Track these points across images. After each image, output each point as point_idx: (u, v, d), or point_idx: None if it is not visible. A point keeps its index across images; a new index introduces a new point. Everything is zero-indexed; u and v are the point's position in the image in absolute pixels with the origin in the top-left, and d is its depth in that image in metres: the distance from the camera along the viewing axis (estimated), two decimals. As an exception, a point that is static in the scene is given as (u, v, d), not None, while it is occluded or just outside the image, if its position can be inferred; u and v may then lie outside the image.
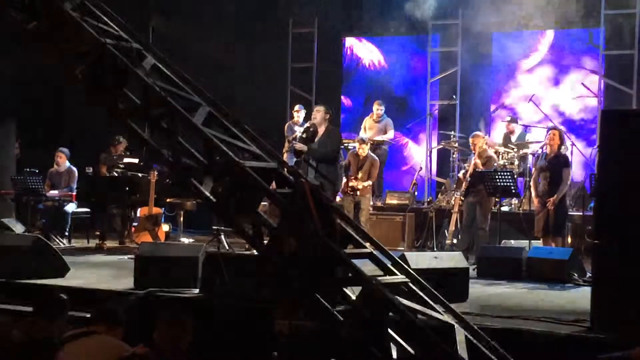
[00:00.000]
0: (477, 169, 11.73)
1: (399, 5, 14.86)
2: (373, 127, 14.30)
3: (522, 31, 15.08)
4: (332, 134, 11.74)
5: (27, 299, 5.82)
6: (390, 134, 14.28)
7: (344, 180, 12.55)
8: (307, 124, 11.76)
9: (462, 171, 12.37)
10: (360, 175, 12.45)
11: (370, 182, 12.53)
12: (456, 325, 5.15)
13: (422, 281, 5.33)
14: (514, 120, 14.07)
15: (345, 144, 13.70)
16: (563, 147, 11.70)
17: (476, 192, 11.71)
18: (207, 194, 5.44)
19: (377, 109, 14.38)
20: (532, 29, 15.12)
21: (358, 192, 12.40)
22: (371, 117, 14.45)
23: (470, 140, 12.16)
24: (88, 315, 5.51)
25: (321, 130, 11.76)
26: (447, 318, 5.22)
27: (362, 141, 12.68)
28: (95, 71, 5.57)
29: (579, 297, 8.26)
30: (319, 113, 11.75)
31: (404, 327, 4.75)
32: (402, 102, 16.28)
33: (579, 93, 14.54)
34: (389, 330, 4.73)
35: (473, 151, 12.01)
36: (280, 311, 4.92)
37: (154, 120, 5.59)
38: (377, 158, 13.00)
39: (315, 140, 11.62)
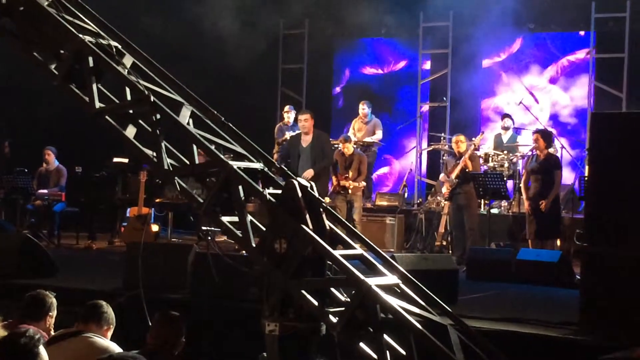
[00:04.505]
0: (467, 170, 11.70)
1: (390, 7, 14.86)
2: (362, 129, 14.27)
3: (514, 34, 15.08)
4: (322, 138, 11.88)
5: (15, 299, 5.76)
6: (379, 134, 14.24)
7: (333, 179, 12.55)
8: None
9: (442, 174, 12.32)
10: (350, 173, 12.41)
11: (364, 183, 12.49)
12: (450, 326, 5.12)
13: (416, 281, 5.31)
14: (509, 116, 13.97)
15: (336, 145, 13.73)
16: (552, 148, 11.70)
17: (463, 194, 11.68)
18: (194, 194, 5.39)
19: (363, 108, 14.31)
20: (524, 32, 15.14)
21: (350, 191, 12.37)
22: (359, 118, 14.42)
23: (454, 139, 12.12)
24: (76, 315, 5.47)
25: (309, 136, 11.89)
26: (440, 319, 5.20)
27: (345, 140, 12.65)
28: (73, 68, 5.48)
29: (568, 299, 8.27)
30: (307, 122, 11.99)
31: (396, 328, 4.72)
32: (392, 104, 16.29)
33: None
34: (382, 332, 4.70)
35: (457, 152, 11.96)
36: (270, 312, 4.88)
37: (137, 119, 5.51)
38: (363, 154, 12.99)
39: (305, 146, 11.77)
